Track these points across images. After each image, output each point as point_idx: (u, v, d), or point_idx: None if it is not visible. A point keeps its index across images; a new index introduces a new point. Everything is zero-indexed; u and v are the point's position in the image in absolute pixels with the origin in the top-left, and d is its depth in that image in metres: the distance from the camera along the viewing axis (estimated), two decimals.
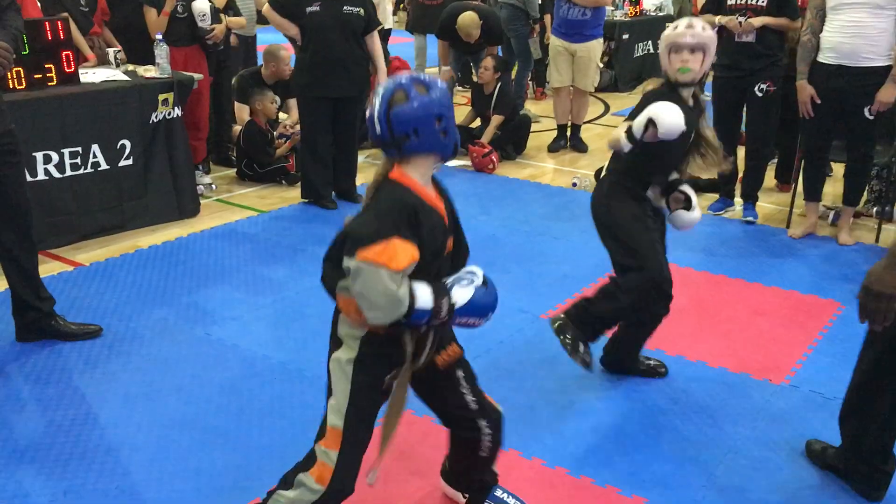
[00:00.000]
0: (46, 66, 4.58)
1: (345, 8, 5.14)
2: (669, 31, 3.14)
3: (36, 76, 4.54)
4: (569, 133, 7.16)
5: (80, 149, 4.68)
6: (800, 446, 2.97)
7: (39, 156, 4.52)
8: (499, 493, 2.58)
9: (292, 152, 6.05)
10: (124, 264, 4.49)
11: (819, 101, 4.71)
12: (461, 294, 2.09)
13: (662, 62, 3.16)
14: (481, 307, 2.12)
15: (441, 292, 2.06)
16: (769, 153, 5.53)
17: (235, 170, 6.16)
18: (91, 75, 4.93)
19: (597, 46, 6.93)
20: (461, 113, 7.65)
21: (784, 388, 3.37)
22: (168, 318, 3.87)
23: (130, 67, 5.26)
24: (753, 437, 3.03)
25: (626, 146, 3.07)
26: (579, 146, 7.08)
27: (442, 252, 2.16)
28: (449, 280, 2.12)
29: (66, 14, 5.01)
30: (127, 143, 4.88)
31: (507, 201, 5.74)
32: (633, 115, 3.12)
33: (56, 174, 4.61)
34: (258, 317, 3.92)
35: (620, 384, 3.37)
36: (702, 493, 2.72)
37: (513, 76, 7.66)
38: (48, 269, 4.37)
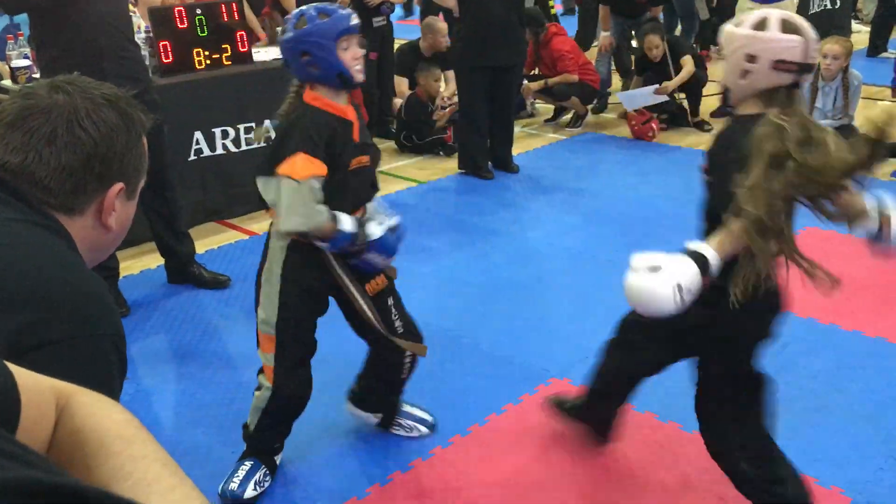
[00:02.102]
0: (223, 46, 4.86)
1: None
2: None
3: (214, 56, 4.83)
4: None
5: (253, 124, 4.95)
6: None
7: (218, 131, 4.82)
8: (407, 407, 2.85)
9: (450, 123, 6.13)
10: None
11: None
12: (375, 229, 2.38)
13: None
14: (389, 247, 2.45)
15: (359, 223, 2.34)
16: None
17: (395, 142, 6.32)
18: (263, 54, 5.19)
19: (787, 5, 6.43)
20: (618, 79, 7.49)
21: None
22: None
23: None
24: None
25: None
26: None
27: (345, 167, 2.36)
28: (364, 217, 2.40)
29: None
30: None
31: (669, 170, 5.57)
32: None
33: (233, 148, 4.91)
34: (419, 285, 4.03)
35: (791, 354, 3.22)
36: (878, 473, 2.57)
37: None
38: (227, 237, 4.69)
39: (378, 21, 6.08)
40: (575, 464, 2.68)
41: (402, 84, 6.47)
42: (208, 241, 4.53)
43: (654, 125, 6.27)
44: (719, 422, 2.26)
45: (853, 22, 9.71)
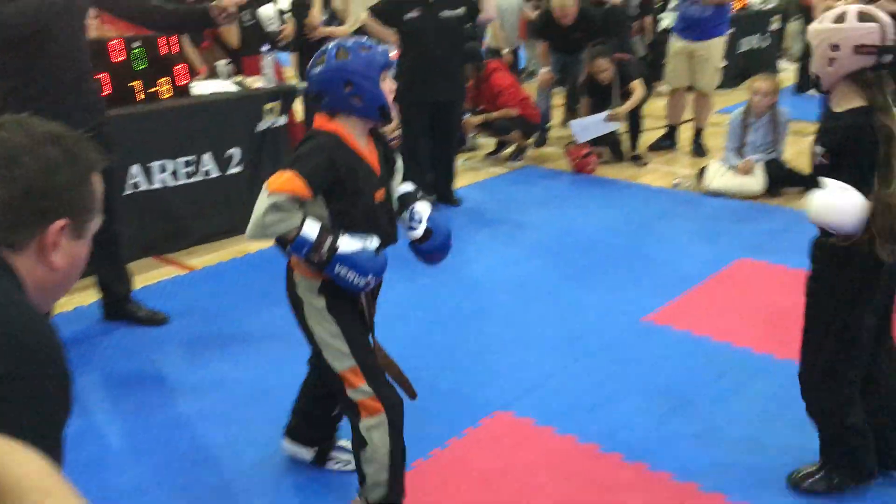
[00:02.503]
0: (161, 79, 4.81)
1: (442, 13, 5.21)
2: None
3: (151, 90, 4.77)
4: (674, 134, 7.00)
5: (193, 157, 4.90)
6: None
7: (156, 165, 4.75)
8: (343, 442, 2.78)
9: None
10: (235, 268, 4.67)
11: None
12: (347, 243, 2.23)
13: None
14: (361, 266, 2.26)
15: (327, 231, 2.22)
16: None
17: None
18: (202, 87, 5.15)
19: (718, 45, 6.57)
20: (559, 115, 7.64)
21: None
22: (277, 321, 3.99)
23: (239, 79, 5.48)
24: None
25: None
26: (699, 151, 6.74)
27: (370, 199, 2.35)
28: (349, 233, 2.28)
29: None
30: (236, 151, 5.07)
31: (609, 203, 5.67)
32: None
33: (171, 182, 4.83)
34: None
35: (726, 386, 3.28)
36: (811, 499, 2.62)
37: None
38: (163, 273, 4.60)
39: None
40: (521, 497, 2.67)
41: None
42: (145, 277, 4.44)
43: (593, 159, 6.39)
44: None
45: (781, 60, 10.11)
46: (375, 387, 2.36)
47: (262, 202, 2.19)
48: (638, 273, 4.38)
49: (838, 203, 2.30)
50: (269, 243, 5.05)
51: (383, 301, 4.17)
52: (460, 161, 6.40)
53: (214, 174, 5.02)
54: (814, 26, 2.45)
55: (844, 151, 2.37)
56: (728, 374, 3.38)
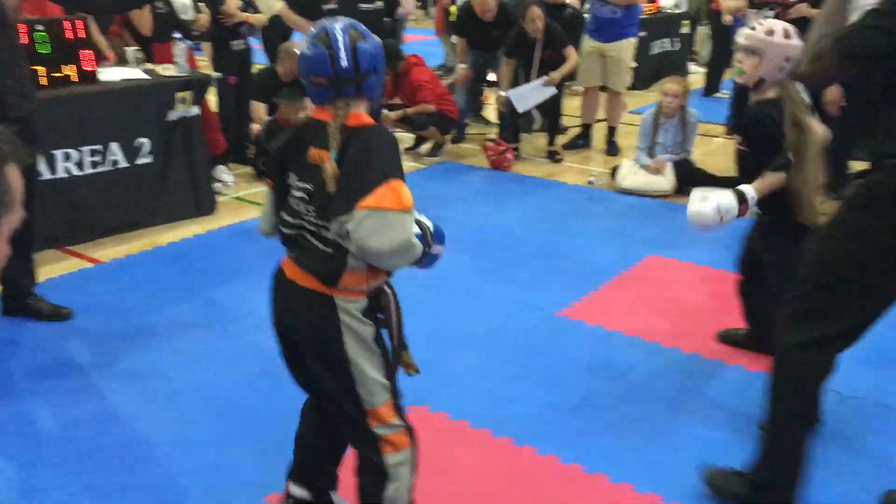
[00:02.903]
0: (67, 65, 4.62)
1: (361, 5, 5.17)
2: None
3: (56, 75, 4.58)
4: (587, 133, 7.13)
5: (100, 147, 4.72)
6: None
7: (59, 154, 4.56)
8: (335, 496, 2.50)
9: None
10: (143, 261, 4.53)
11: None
12: (425, 219, 2.18)
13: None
14: (442, 235, 2.23)
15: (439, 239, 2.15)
16: None
17: (252, 168, 6.19)
18: (110, 74, 4.98)
19: (628, 46, 6.75)
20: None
21: None
22: (187, 316, 3.90)
23: (149, 66, 5.31)
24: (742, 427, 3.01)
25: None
26: (612, 149, 6.89)
27: None
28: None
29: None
30: (145, 141, 4.92)
31: (525, 199, 5.74)
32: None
33: (76, 172, 4.65)
34: None
35: (636, 380, 3.36)
36: (690, 478, 2.71)
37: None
38: (68, 265, 4.43)
39: (237, 44, 5.97)
40: (436, 491, 2.68)
41: (258, 109, 6.35)
42: (48, 270, 4.26)
43: (509, 155, 6.45)
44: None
45: (690, 64, 10.42)
46: (404, 419, 2.19)
47: (402, 225, 1.92)
48: (553, 269, 4.45)
49: (701, 210, 2.93)
50: (180, 235, 4.95)
51: None
52: None
53: (122, 164, 4.85)
54: (767, 39, 2.97)
55: (753, 137, 2.71)
56: (637, 367, 3.47)
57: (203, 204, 5.27)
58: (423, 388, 3.25)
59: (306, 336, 2.12)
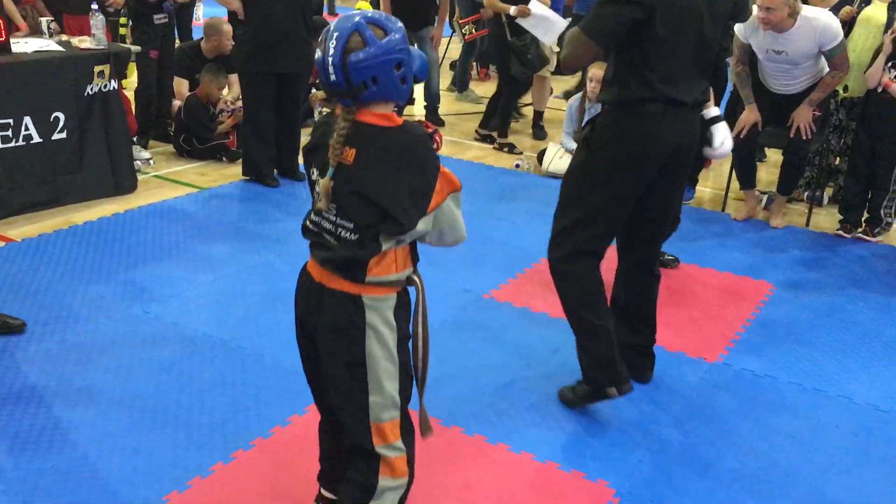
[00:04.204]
0: None
1: None
2: None
3: None
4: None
5: (10, 121, 4.52)
6: (729, 423, 3.07)
7: None
8: None
9: (233, 129, 5.95)
10: (58, 240, 4.37)
11: (759, 129, 4.96)
12: None
13: None
14: None
15: None
16: None
17: (173, 145, 6.03)
18: (23, 45, 4.76)
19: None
20: None
21: (717, 366, 3.47)
22: (104, 296, 3.78)
23: (64, 38, 5.11)
24: (688, 414, 3.12)
25: None
26: (539, 133, 6.96)
27: None
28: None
29: None
30: (61, 115, 4.73)
31: None
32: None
33: None
34: (198, 295, 3.87)
35: (561, 360, 3.42)
36: (638, 467, 2.79)
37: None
38: None
39: (160, 18, 5.77)
40: None
41: (181, 85, 6.19)
42: None
43: (437, 138, 6.44)
44: None
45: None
46: (409, 445, 2.10)
47: (457, 206, 2.04)
48: (480, 252, 4.48)
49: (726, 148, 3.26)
50: (98, 213, 4.80)
51: (222, 277, 4.07)
52: (305, 135, 6.28)
53: (36, 139, 4.66)
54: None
55: None
56: (563, 349, 3.53)
57: (122, 182, 5.11)
58: None
59: (329, 338, 2.02)
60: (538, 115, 7.02)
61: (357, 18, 1.87)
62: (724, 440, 2.97)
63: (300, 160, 5.67)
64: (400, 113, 2.04)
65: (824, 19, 4.59)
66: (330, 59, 1.85)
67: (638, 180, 2.89)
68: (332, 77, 1.86)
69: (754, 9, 4.59)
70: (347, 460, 2.14)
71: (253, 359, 3.32)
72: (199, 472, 2.64)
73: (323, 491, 2.40)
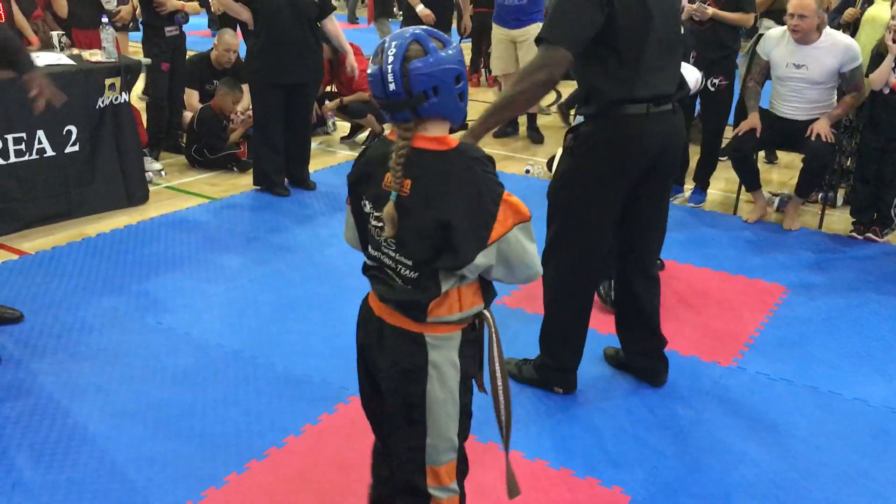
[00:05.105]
0: None
1: None
2: None
3: None
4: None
5: (24, 135, 4.56)
6: (744, 428, 3.05)
7: None
8: None
9: (244, 139, 5.97)
10: (71, 252, 4.40)
11: (757, 137, 4.95)
12: None
13: None
14: None
15: None
16: (720, 142, 5.63)
17: (185, 156, 6.06)
18: (35, 59, 4.79)
19: (537, 30, 6.77)
20: None
21: (732, 370, 3.45)
22: (118, 307, 3.80)
23: (75, 51, 5.15)
24: (703, 419, 3.10)
25: None
26: (534, 136, 7.00)
27: None
28: None
29: None
30: (73, 128, 4.77)
31: None
32: None
33: (0, 161, 4.49)
34: (211, 305, 3.88)
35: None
36: (653, 473, 2.78)
37: None
38: None
39: (171, 31, 5.82)
40: None
41: (192, 97, 6.23)
42: None
43: None
44: None
45: None
46: (462, 486, 2.01)
47: (528, 239, 1.85)
48: None
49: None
50: (110, 225, 4.82)
51: (234, 287, 4.08)
52: (315, 144, 6.31)
53: (49, 153, 4.70)
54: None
55: None
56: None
57: (134, 194, 5.14)
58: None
59: (389, 376, 1.93)
60: (532, 118, 7.05)
61: (416, 30, 1.81)
62: (739, 445, 2.95)
63: (310, 169, 5.69)
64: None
65: (848, 40, 4.74)
66: (389, 68, 1.76)
67: (622, 186, 2.88)
68: (392, 86, 1.76)
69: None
70: (397, 496, 2.07)
71: (265, 368, 3.32)
72: (214, 482, 2.64)
73: None
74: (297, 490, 2.62)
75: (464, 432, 1.98)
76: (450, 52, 1.80)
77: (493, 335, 1.93)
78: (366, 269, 2.00)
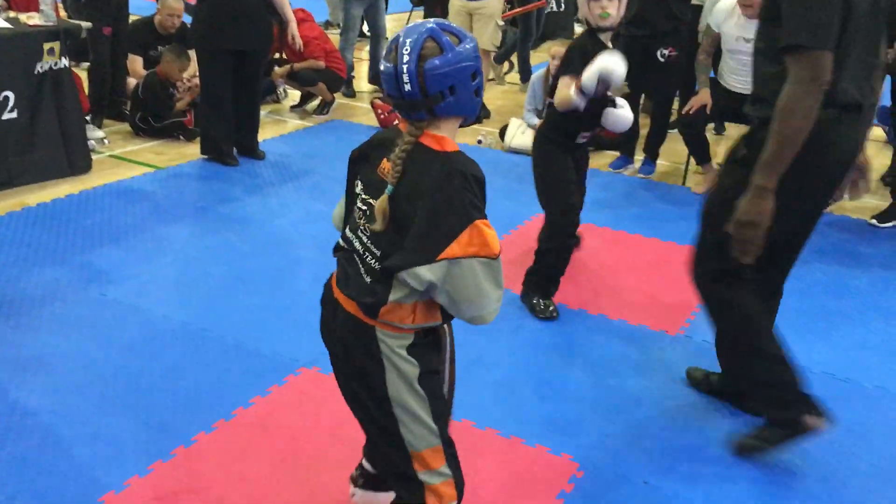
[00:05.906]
0: None
1: None
2: None
3: None
4: None
5: None
6: (691, 396, 3.11)
7: None
8: None
9: (191, 107, 5.84)
10: (11, 222, 4.26)
11: (707, 112, 5.00)
12: None
13: (582, 10, 3.42)
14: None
15: None
16: (669, 113, 5.69)
17: (129, 124, 5.90)
18: None
19: (495, 4, 6.69)
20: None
21: (679, 339, 3.51)
22: (60, 279, 3.71)
23: (12, 14, 4.95)
24: (651, 386, 3.15)
25: (581, 102, 3.23)
26: (482, 111, 6.98)
27: None
28: None
29: None
30: (10, 94, 4.60)
31: None
32: (567, 68, 3.30)
33: None
34: (157, 277, 3.81)
35: (527, 336, 3.43)
36: (602, 441, 2.82)
37: None
38: None
39: None
40: (328, 453, 2.67)
41: (135, 63, 6.06)
42: None
43: (380, 107, 6.38)
44: None
45: (576, 25, 10.58)
46: (454, 468, 1.97)
47: (493, 273, 1.76)
48: None
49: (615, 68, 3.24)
50: (52, 195, 4.69)
51: (182, 258, 4.00)
52: (264, 113, 6.20)
53: None
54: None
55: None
56: (527, 324, 3.54)
57: (76, 162, 4.99)
58: (316, 349, 3.23)
59: (349, 362, 1.92)
60: None
61: (429, 24, 1.75)
62: (685, 412, 3.01)
63: (259, 138, 5.59)
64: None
65: None
66: (404, 68, 1.70)
67: (823, 199, 2.55)
68: (407, 87, 1.71)
69: None
70: (391, 482, 2.07)
71: (215, 341, 3.28)
72: (161, 455, 2.60)
73: (365, 462, 2.28)
74: (246, 461, 2.60)
75: (441, 416, 1.94)
76: (466, 46, 1.74)
77: (446, 351, 1.98)
78: (336, 250, 1.97)
